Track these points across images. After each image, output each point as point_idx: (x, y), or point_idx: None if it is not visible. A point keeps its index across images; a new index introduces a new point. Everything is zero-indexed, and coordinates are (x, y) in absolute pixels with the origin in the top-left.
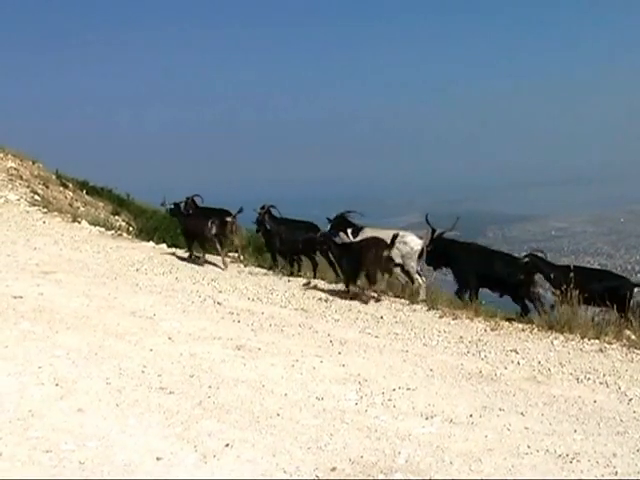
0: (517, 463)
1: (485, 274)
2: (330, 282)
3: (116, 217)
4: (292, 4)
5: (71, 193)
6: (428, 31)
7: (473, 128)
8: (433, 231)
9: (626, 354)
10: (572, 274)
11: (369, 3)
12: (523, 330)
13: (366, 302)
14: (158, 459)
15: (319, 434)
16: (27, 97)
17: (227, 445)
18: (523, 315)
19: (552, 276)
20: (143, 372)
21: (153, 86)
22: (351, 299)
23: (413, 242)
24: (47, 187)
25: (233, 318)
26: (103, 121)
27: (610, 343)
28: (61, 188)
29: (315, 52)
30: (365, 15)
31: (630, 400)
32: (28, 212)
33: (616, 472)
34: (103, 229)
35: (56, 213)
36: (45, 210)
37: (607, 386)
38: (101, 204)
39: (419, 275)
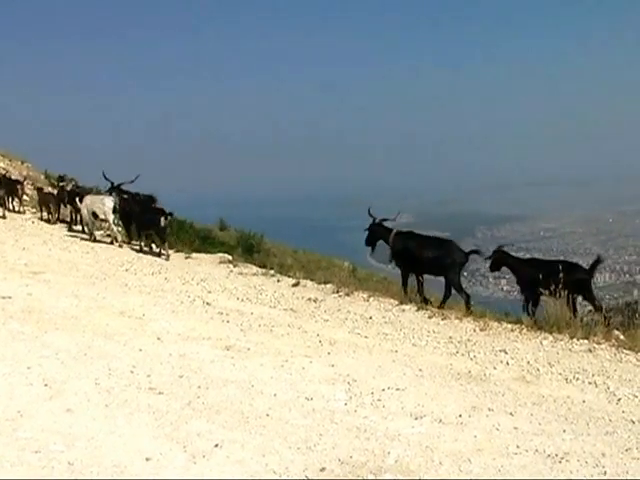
0: (506, 463)
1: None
2: (319, 283)
3: None
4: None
5: None
6: (423, 31)
7: (463, 130)
8: (113, 183)
9: (615, 354)
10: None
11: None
12: (512, 330)
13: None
14: (147, 459)
15: (308, 434)
16: (15, 96)
17: (216, 445)
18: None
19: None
20: (132, 372)
21: (144, 87)
22: None
23: (108, 202)
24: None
25: (222, 318)
26: (92, 120)
27: (599, 343)
28: (50, 188)
29: (310, 51)
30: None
31: (619, 400)
32: (24, 213)
33: (605, 472)
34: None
35: (52, 216)
36: (34, 210)
37: (596, 386)
38: None
39: (115, 225)
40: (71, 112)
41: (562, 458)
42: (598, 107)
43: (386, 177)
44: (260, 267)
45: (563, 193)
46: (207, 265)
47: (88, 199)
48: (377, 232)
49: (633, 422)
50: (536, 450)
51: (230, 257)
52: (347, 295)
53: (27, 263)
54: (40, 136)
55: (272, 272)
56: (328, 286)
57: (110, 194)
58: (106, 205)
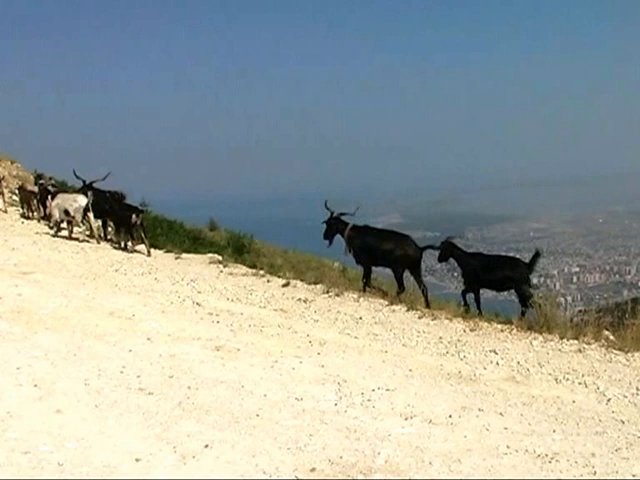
0: (496, 463)
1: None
2: (309, 283)
3: None
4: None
5: None
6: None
7: (453, 130)
8: (85, 181)
9: (605, 354)
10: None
11: None
12: (502, 331)
13: None
14: (137, 460)
15: (298, 435)
16: (9, 96)
17: (206, 446)
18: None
19: None
20: (122, 373)
21: (145, 87)
22: None
23: (81, 200)
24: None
25: (212, 319)
26: (81, 120)
27: (589, 343)
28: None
29: (308, 52)
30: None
31: (609, 400)
32: (6, 212)
33: (595, 472)
34: (82, 229)
35: (35, 213)
36: (23, 210)
37: (586, 386)
38: None
39: (91, 221)
40: (68, 112)
41: (552, 458)
42: (590, 107)
43: (376, 177)
44: (250, 267)
45: (553, 193)
46: (197, 265)
47: (60, 197)
48: (334, 226)
49: (623, 422)
50: (526, 450)
51: (220, 257)
52: (337, 295)
53: (16, 263)
54: (36, 137)
55: (262, 272)
56: (318, 286)
57: (85, 193)
58: (78, 202)
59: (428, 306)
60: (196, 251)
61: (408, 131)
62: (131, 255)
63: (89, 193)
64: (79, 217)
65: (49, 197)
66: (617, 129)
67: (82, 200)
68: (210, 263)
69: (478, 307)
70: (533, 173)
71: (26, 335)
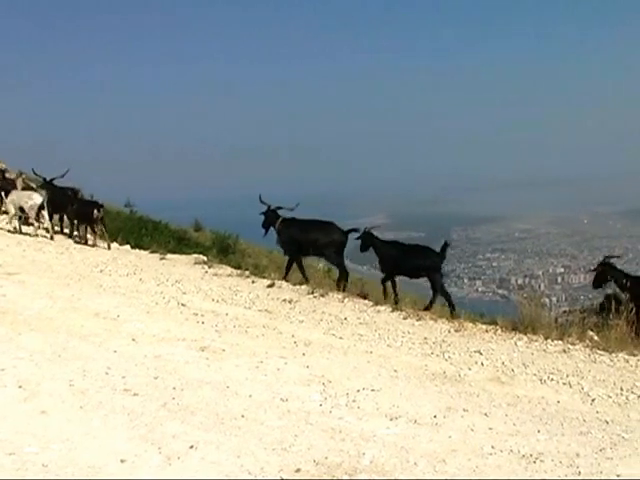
0: (481, 463)
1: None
2: (294, 284)
3: None
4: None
5: None
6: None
7: (440, 131)
8: (45, 179)
9: (589, 355)
10: None
11: None
12: (487, 331)
13: None
14: (122, 461)
15: (284, 435)
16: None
17: (191, 447)
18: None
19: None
20: (107, 374)
21: (141, 86)
22: None
23: (36, 198)
24: None
25: (197, 319)
26: (67, 120)
27: (573, 344)
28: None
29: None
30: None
31: (593, 400)
32: None
33: (579, 472)
34: (67, 230)
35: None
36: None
37: (570, 386)
38: None
39: (43, 220)
40: (61, 112)
41: (537, 458)
42: (574, 110)
43: (362, 178)
44: (235, 268)
45: (538, 194)
46: (182, 266)
47: (14, 194)
48: (269, 218)
49: (607, 422)
50: (511, 450)
51: (205, 258)
52: (322, 296)
53: (1, 264)
54: (23, 135)
55: (247, 273)
56: (303, 287)
57: (43, 189)
58: (33, 200)
59: (344, 289)
60: (181, 252)
61: (396, 132)
62: (116, 256)
63: (43, 192)
64: (33, 214)
65: (2, 193)
66: (601, 132)
67: (37, 198)
68: (195, 264)
69: (395, 292)
70: (519, 174)
71: (11, 336)
